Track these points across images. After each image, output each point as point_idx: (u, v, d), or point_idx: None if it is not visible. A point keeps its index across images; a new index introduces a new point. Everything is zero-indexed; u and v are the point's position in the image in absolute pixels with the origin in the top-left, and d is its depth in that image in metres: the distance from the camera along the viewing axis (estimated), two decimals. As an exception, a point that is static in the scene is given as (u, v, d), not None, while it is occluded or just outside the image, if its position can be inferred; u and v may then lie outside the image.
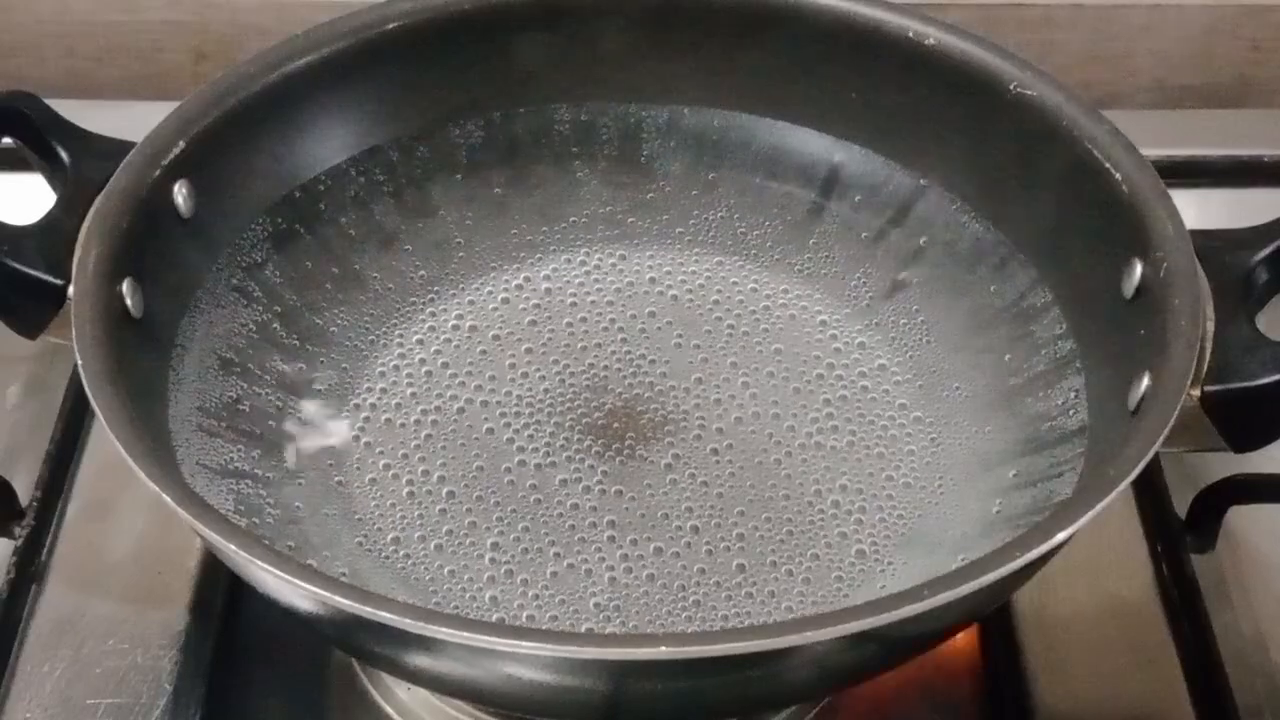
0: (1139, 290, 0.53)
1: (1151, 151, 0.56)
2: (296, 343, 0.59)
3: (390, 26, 0.61)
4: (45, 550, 0.60)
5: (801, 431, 0.58)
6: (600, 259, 0.64)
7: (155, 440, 0.49)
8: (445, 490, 0.56)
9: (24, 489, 0.61)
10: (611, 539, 0.55)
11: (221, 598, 0.59)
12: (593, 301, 0.62)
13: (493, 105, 0.64)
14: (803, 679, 0.48)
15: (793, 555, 0.54)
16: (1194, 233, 0.53)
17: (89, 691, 0.56)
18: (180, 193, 0.56)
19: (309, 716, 0.58)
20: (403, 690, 0.57)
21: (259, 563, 0.44)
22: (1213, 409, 0.51)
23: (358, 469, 0.57)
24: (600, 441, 0.58)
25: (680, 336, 0.61)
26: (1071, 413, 0.55)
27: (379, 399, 0.59)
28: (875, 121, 0.62)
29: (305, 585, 0.44)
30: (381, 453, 0.57)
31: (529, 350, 0.61)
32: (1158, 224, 0.54)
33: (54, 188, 0.57)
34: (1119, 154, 0.56)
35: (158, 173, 0.55)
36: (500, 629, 0.46)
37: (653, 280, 0.63)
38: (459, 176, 0.63)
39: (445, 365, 0.60)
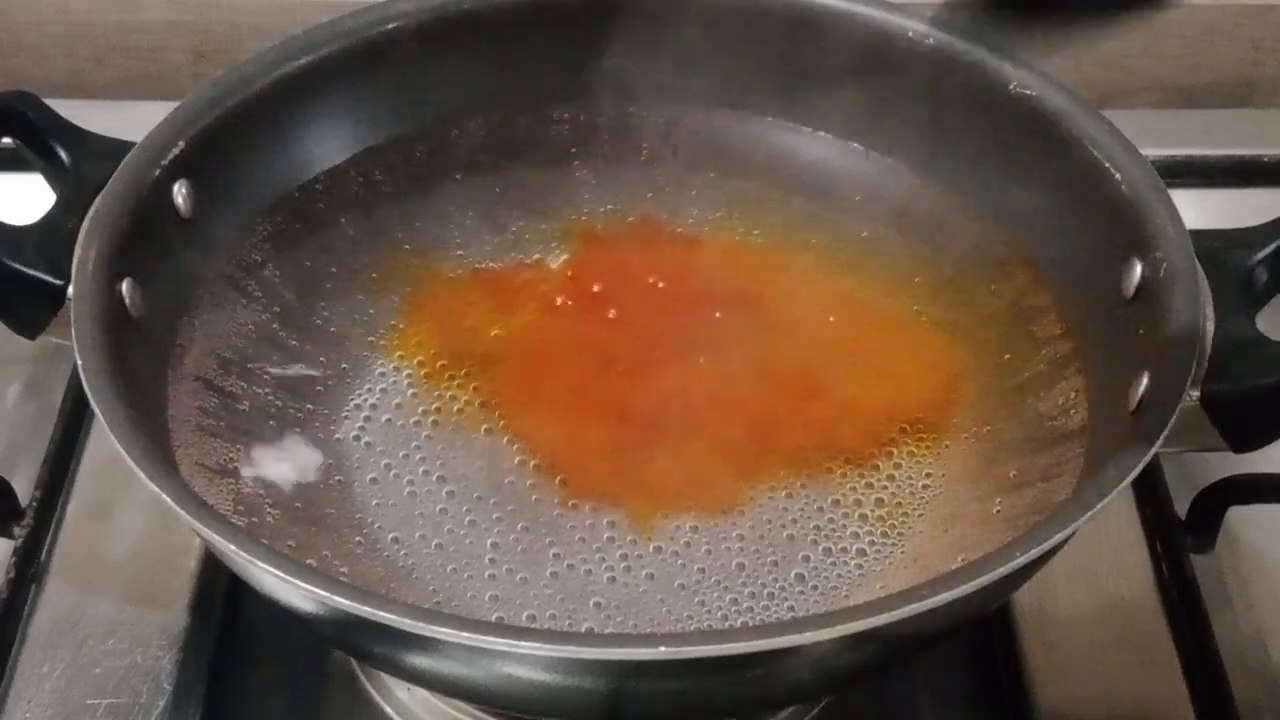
0: (1139, 290, 0.53)
1: (1151, 151, 0.56)
2: (296, 343, 0.59)
3: (390, 26, 0.61)
4: (45, 550, 0.60)
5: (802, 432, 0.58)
6: (600, 258, 0.64)
7: (155, 440, 0.49)
8: (445, 490, 0.56)
9: (24, 489, 0.61)
10: (611, 539, 0.55)
11: (221, 598, 0.59)
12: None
13: (492, 105, 0.64)
14: (803, 679, 0.48)
15: (793, 555, 0.54)
16: (1194, 233, 0.53)
17: (89, 691, 0.56)
18: (180, 192, 0.56)
19: (309, 716, 0.58)
20: (403, 690, 0.57)
21: (259, 563, 0.44)
22: (1213, 409, 0.51)
23: (358, 469, 0.56)
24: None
25: (683, 336, 0.61)
26: (1071, 413, 0.55)
27: (379, 399, 0.59)
28: (875, 122, 0.62)
29: (305, 585, 0.44)
30: (382, 452, 0.57)
31: (529, 349, 0.61)
32: (1158, 224, 0.54)
33: (54, 188, 0.57)
34: (1119, 154, 0.56)
35: (157, 173, 0.55)
36: (500, 629, 0.46)
37: (653, 279, 0.63)
38: (459, 177, 0.63)
39: (444, 366, 0.60)
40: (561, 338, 0.61)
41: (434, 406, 0.58)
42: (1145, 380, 0.50)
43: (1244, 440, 0.52)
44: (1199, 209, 0.60)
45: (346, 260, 0.61)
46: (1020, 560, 0.44)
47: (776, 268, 0.63)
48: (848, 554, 0.54)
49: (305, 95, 0.60)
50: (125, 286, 0.52)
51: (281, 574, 0.44)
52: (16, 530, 0.60)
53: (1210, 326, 0.52)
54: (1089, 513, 0.45)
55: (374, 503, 0.55)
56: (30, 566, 0.59)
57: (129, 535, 0.60)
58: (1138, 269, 0.53)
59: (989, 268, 0.60)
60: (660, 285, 0.63)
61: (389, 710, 0.57)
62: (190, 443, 0.53)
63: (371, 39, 0.61)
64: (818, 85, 0.63)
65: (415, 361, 0.60)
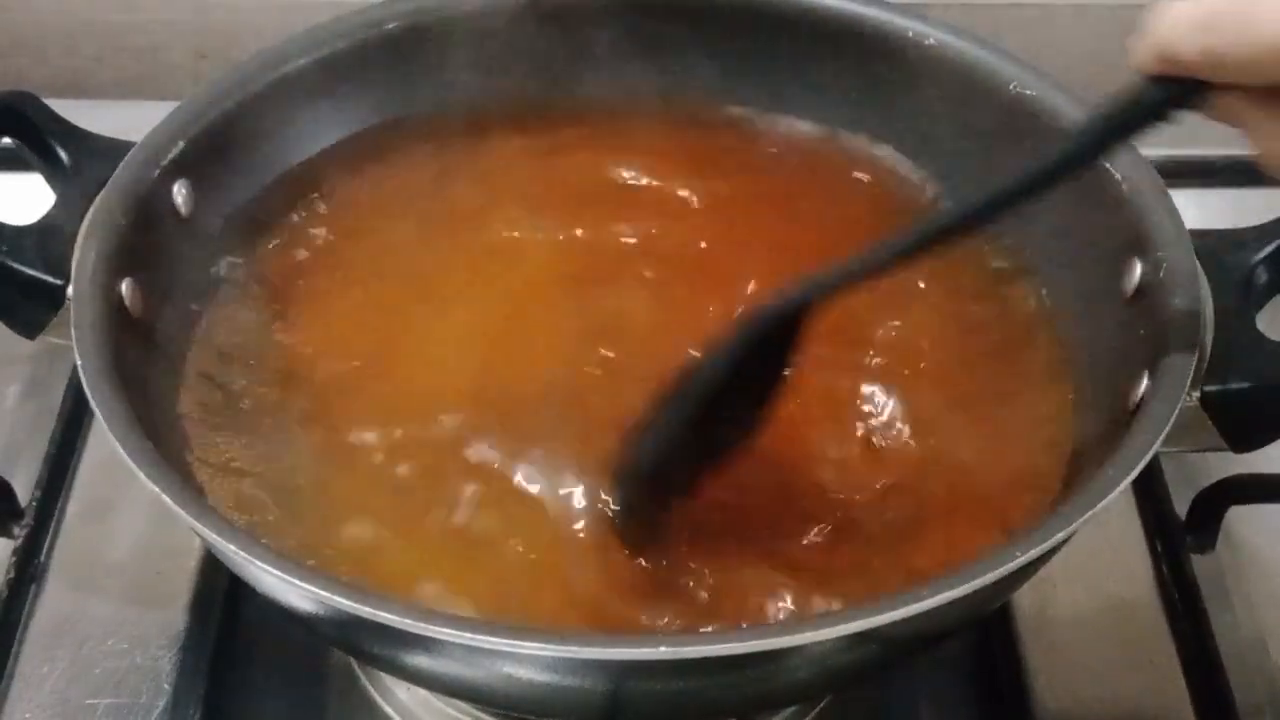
0: (1139, 290, 0.53)
1: (1151, 151, 0.56)
2: (297, 340, 0.59)
3: (389, 27, 0.61)
4: (45, 550, 0.60)
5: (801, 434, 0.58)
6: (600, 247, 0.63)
7: (155, 440, 0.49)
8: (450, 491, 0.56)
9: (24, 489, 0.61)
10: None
11: (221, 598, 0.59)
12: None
13: (493, 103, 0.64)
14: (803, 679, 0.48)
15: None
16: (1194, 233, 0.53)
17: (89, 691, 0.56)
18: (180, 192, 0.56)
19: (309, 716, 0.58)
20: (403, 690, 0.57)
21: (259, 563, 0.44)
22: (1213, 409, 0.51)
23: (360, 468, 0.56)
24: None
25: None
26: (1071, 412, 0.55)
27: (381, 396, 0.58)
28: (876, 121, 0.62)
29: (305, 585, 0.44)
30: (386, 451, 0.57)
31: (533, 346, 0.60)
32: (1158, 224, 0.54)
33: (54, 188, 0.57)
34: (1119, 154, 0.56)
35: (157, 172, 0.55)
36: (500, 629, 0.46)
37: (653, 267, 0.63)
38: (460, 173, 0.63)
39: (447, 365, 0.60)
40: (551, 333, 0.60)
41: (438, 405, 0.58)
42: (1145, 380, 0.50)
43: (1244, 440, 0.52)
44: (1199, 209, 0.60)
45: (346, 258, 0.61)
46: (1020, 560, 0.44)
47: (774, 267, 0.63)
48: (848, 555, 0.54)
49: (305, 95, 0.60)
50: (125, 286, 0.52)
51: (281, 574, 0.44)
52: (16, 530, 0.60)
53: (1210, 326, 0.52)
54: (1089, 513, 0.45)
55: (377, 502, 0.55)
56: (30, 566, 0.59)
57: (129, 535, 0.61)
58: (1138, 269, 0.53)
59: (988, 267, 0.60)
60: (660, 274, 0.62)
61: (389, 710, 0.57)
62: (191, 442, 0.53)
63: (371, 39, 0.61)
64: (818, 84, 0.63)
65: (418, 360, 0.60)
